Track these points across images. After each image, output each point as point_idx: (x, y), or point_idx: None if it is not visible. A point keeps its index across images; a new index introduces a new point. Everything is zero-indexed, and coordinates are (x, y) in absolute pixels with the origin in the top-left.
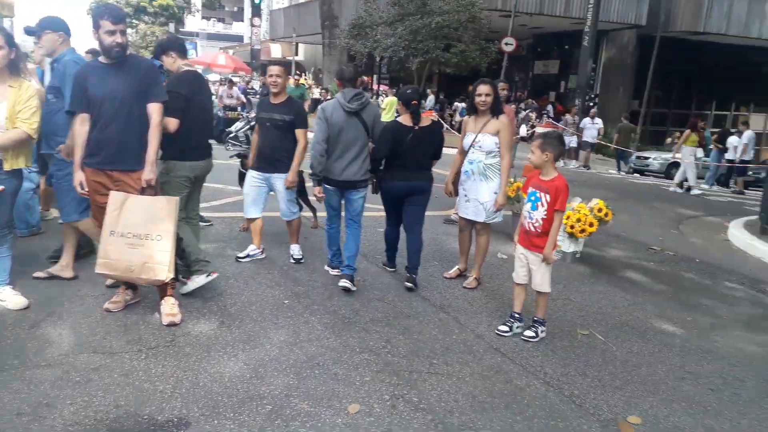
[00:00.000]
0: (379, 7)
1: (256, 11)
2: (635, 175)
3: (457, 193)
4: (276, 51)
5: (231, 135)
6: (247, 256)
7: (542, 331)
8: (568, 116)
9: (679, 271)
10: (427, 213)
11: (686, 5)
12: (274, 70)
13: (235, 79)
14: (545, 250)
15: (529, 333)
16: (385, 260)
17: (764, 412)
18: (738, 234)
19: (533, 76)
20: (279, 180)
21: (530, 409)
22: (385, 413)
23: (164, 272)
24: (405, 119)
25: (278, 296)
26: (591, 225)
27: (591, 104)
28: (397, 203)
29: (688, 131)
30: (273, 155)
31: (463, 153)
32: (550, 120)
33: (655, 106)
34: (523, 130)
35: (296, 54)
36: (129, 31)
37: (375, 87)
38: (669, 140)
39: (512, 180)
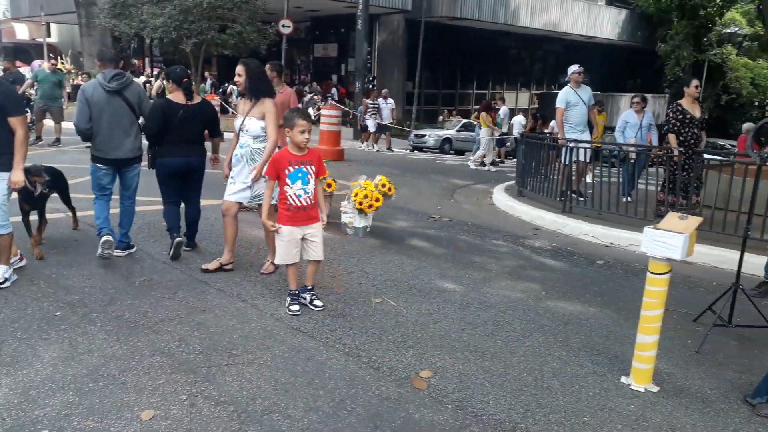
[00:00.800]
0: None
1: None
2: (414, 152)
3: None
4: (22, 32)
5: None
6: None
7: (314, 297)
8: (368, 100)
9: (455, 235)
10: (216, 202)
11: None
12: None
13: None
14: (323, 212)
15: (318, 302)
16: (171, 252)
17: (530, 348)
18: (500, 198)
19: (314, 59)
20: None
21: (332, 382)
22: (184, 414)
23: None
24: (176, 96)
25: (47, 308)
26: (377, 200)
27: (370, 86)
28: (173, 179)
29: (484, 113)
30: None
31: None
32: (334, 102)
33: (427, 87)
34: (311, 113)
35: (48, 35)
36: None
37: (148, 70)
38: (441, 118)
39: None
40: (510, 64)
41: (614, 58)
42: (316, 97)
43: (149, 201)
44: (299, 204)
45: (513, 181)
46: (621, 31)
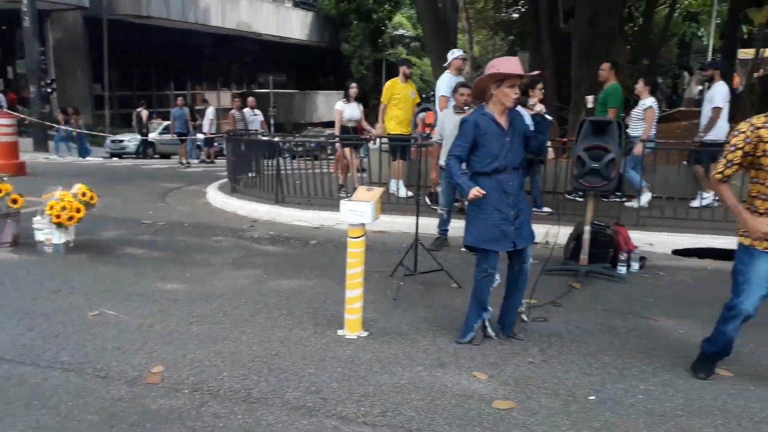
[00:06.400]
0: None
1: None
2: (113, 159)
3: None
4: None
5: None
6: None
7: None
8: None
9: (172, 237)
10: None
11: None
12: None
13: None
14: None
15: None
16: None
17: (257, 325)
18: (215, 196)
19: None
20: None
21: (53, 398)
22: None
23: None
24: None
25: None
26: (78, 211)
27: (49, 90)
28: None
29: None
30: None
31: None
32: (5, 110)
33: (119, 89)
34: None
35: None
36: None
37: None
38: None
39: None
40: (207, 63)
41: (307, 57)
42: None
43: None
44: None
45: (226, 179)
46: (309, 32)
